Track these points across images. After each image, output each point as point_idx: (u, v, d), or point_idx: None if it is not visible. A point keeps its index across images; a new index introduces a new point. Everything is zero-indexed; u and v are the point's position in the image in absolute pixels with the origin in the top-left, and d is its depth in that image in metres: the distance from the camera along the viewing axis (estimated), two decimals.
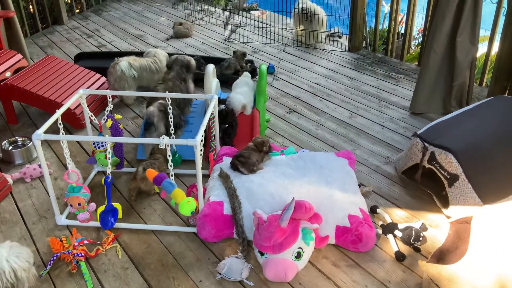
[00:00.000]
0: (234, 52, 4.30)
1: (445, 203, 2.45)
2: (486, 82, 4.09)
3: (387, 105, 3.76)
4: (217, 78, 3.43)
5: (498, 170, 2.35)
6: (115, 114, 2.69)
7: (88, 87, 3.59)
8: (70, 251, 2.17)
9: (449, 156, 2.35)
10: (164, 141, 2.08)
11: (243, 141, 3.04)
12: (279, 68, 4.52)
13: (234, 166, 2.53)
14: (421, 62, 3.42)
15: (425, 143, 2.52)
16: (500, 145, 2.42)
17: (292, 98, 3.93)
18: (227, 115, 2.94)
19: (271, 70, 4.39)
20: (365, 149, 3.15)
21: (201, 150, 2.25)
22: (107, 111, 2.64)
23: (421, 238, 2.21)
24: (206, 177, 2.65)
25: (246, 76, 3.37)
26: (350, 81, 4.23)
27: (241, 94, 3.06)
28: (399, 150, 3.09)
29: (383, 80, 4.22)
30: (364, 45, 5.03)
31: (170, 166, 2.19)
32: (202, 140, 2.19)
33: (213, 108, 2.49)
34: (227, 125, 2.94)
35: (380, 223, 2.42)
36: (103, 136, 2.64)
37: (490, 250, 1.74)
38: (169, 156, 2.16)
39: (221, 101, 2.97)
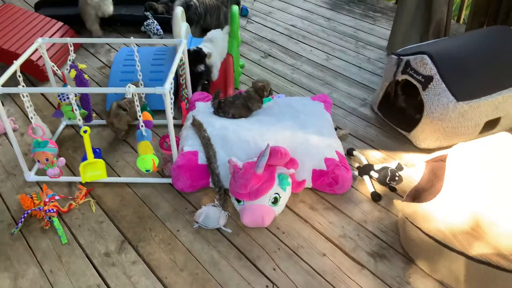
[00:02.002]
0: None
1: (409, 130, 2.55)
2: (463, 19, 4.01)
3: (364, 45, 3.67)
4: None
5: (471, 72, 2.38)
6: (78, 63, 2.54)
7: (50, 36, 3.39)
8: (41, 208, 2.11)
9: (424, 58, 2.38)
10: (131, 90, 1.97)
11: (218, 87, 2.95)
12: (253, 10, 4.33)
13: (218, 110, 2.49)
14: (398, 0, 3.31)
15: (400, 56, 2.55)
16: (474, 55, 2.45)
17: (267, 41, 3.79)
18: (199, 56, 2.80)
19: (244, 12, 4.21)
20: (342, 92, 3.09)
21: (171, 98, 2.15)
22: (69, 60, 2.49)
23: (396, 178, 2.21)
24: (180, 127, 2.57)
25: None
26: (326, 21, 4.10)
27: (209, 41, 2.91)
28: (376, 90, 3.04)
29: (360, 20, 4.09)
30: None
31: (140, 117, 2.10)
32: (171, 88, 2.09)
33: (181, 53, 2.36)
34: (203, 66, 2.81)
35: (357, 165, 2.42)
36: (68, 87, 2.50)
37: (465, 188, 1.75)
38: (138, 106, 2.07)
39: (199, 59, 2.83)
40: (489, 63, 2.43)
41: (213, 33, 2.96)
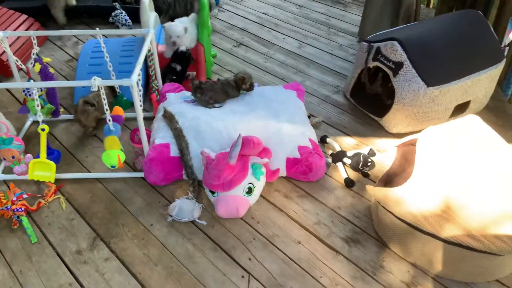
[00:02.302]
0: None
1: (381, 115, 2.58)
2: (433, 3, 4.05)
3: (336, 32, 3.67)
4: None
5: (440, 58, 2.40)
6: (43, 57, 2.46)
7: (14, 30, 3.28)
8: (8, 207, 2.04)
9: (394, 45, 2.39)
10: (96, 83, 1.92)
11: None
12: None
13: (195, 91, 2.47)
14: None
15: (371, 43, 2.56)
16: (443, 40, 2.46)
17: (239, 30, 3.75)
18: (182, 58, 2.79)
19: (215, 1, 4.14)
20: (315, 80, 3.09)
21: (140, 90, 2.11)
22: (33, 54, 2.41)
23: (369, 164, 2.23)
24: (152, 119, 2.53)
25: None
26: (298, 9, 4.07)
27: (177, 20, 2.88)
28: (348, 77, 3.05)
29: (331, 7, 4.09)
30: None
31: (106, 110, 2.04)
32: (139, 80, 2.04)
33: (149, 43, 2.31)
34: (179, 67, 2.78)
35: (330, 152, 2.42)
36: (31, 82, 2.42)
37: (435, 171, 1.76)
38: (104, 99, 2.01)
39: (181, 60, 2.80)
40: (458, 48, 2.45)
41: (181, 20, 2.92)
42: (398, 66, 2.38)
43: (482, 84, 2.45)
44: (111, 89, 2.62)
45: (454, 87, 2.36)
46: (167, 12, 3.52)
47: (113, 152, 2.05)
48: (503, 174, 1.73)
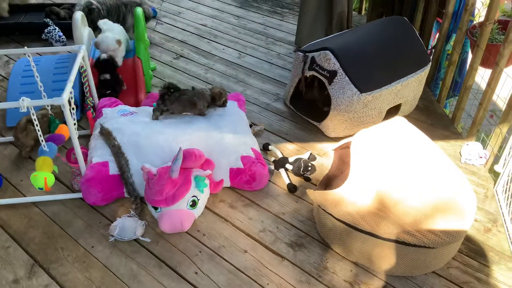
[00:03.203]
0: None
1: (320, 120, 2.67)
2: (365, 10, 4.23)
3: (274, 41, 3.74)
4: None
5: (371, 65, 2.51)
6: None
7: None
8: None
9: (327, 54, 2.47)
10: (25, 104, 1.84)
11: (128, 93, 2.86)
12: (162, 11, 4.24)
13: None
14: None
15: (306, 53, 2.63)
16: (373, 48, 2.58)
17: (179, 42, 3.74)
18: (107, 65, 2.71)
19: (153, 13, 4.11)
20: (255, 88, 3.13)
21: (73, 109, 2.05)
22: None
23: (309, 168, 2.28)
24: (89, 137, 2.46)
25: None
26: (236, 19, 4.12)
27: (108, 31, 2.82)
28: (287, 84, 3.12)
29: (269, 16, 4.17)
30: None
31: (39, 131, 1.97)
32: (71, 98, 1.98)
33: (81, 60, 2.25)
34: (108, 76, 2.70)
35: (272, 159, 2.46)
36: None
37: (368, 171, 1.84)
38: (35, 120, 1.94)
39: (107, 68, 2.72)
40: (387, 54, 2.57)
41: (105, 22, 2.85)
42: (332, 74, 2.46)
43: (411, 87, 2.59)
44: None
45: (385, 91, 2.47)
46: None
47: (41, 174, 1.96)
48: (430, 170, 1.84)
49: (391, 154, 1.87)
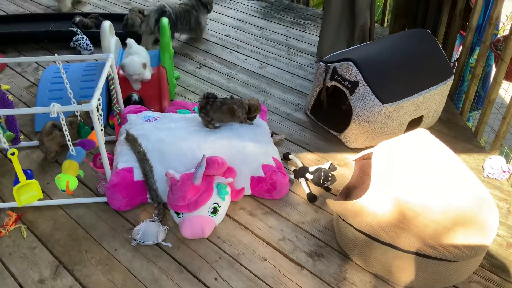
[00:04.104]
0: (130, 10, 3.99)
1: (341, 131, 2.67)
2: (387, 22, 4.24)
3: (295, 52, 3.78)
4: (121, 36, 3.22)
5: (393, 76, 2.51)
6: (1, 84, 2.43)
7: None
8: None
9: (349, 65, 2.48)
10: (55, 109, 1.91)
11: (152, 100, 2.92)
12: None
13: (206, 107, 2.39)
14: (324, 7, 3.45)
15: (327, 64, 2.64)
16: (395, 59, 2.58)
17: (202, 52, 3.81)
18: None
19: None
20: (276, 98, 3.17)
21: (100, 115, 2.11)
22: None
23: (330, 178, 2.30)
24: (114, 143, 2.52)
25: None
26: (259, 30, 4.18)
27: (135, 54, 2.88)
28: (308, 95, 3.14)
29: (291, 28, 4.21)
30: None
31: (67, 135, 2.03)
32: (100, 104, 2.05)
33: (109, 68, 2.32)
34: (138, 97, 2.80)
35: (293, 168, 2.48)
36: None
37: (390, 183, 1.84)
38: (64, 125, 2.00)
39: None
40: (409, 65, 2.57)
41: (131, 45, 2.92)
42: (354, 85, 2.47)
43: (433, 99, 2.58)
44: (88, 114, 2.59)
45: (407, 103, 2.47)
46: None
47: (64, 177, 2.03)
48: (452, 183, 1.83)
49: (413, 166, 1.87)
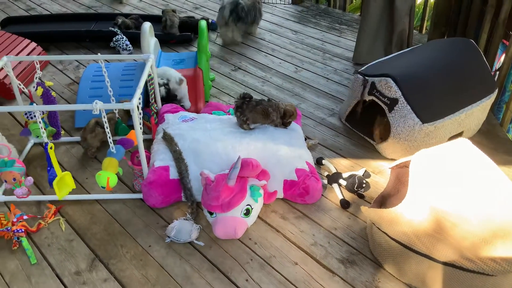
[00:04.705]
0: (163, 11, 4.07)
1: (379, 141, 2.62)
2: (426, 29, 4.16)
3: (331, 57, 3.76)
4: (159, 37, 3.29)
5: (434, 94, 2.43)
6: (45, 81, 2.52)
7: (16, 54, 3.35)
8: (9, 228, 2.07)
9: (388, 82, 2.41)
10: (98, 106, 1.97)
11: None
12: None
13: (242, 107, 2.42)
14: (362, 12, 3.42)
15: (366, 77, 2.59)
16: (436, 74, 2.49)
17: (237, 54, 3.84)
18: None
19: (214, 26, 4.25)
20: (310, 103, 3.16)
21: (140, 114, 2.16)
22: (36, 78, 2.47)
23: (364, 185, 2.27)
24: (151, 141, 2.58)
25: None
26: (294, 34, 4.18)
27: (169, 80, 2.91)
28: (343, 101, 3.12)
29: (327, 32, 4.20)
30: None
31: (108, 133, 2.09)
32: (140, 103, 2.10)
33: (149, 68, 2.38)
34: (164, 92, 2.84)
35: (326, 173, 2.47)
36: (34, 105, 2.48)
37: (427, 192, 1.81)
38: (106, 122, 2.06)
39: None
40: (451, 81, 2.47)
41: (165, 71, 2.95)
42: (393, 102, 2.41)
43: (475, 116, 2.50)
44: (126, 112, 2.67)
45: (448, 121, 2.39)
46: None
47: (105, 174, 2.08)
48: (491, 194, 1.78)
49: (452, 176, 1.82)
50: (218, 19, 3.95)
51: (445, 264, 1.73)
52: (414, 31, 3.98)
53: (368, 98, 2.59)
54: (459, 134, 2.55)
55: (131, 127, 2.18)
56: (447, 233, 1.72)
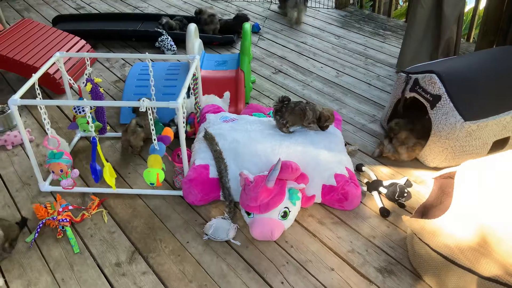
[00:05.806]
0: (196, 13, 4.15)
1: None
2: (473, 38, 4.04)
3: (374, 63, 3.71)
4: (200, 38, 3.34)
5: (479, 92, 2.38)
6: (94, 77, 2.61)
7: (67, 51, 3.49)
8: (55, 217, 2.16)
9: (432, 78, 2.39)
10: (145, 104, 2.03)
11: (230, 102, 3.00)
12: (265, 27, 4.41)
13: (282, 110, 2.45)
14: (408, 18, 3.36)
15: (409, 74, 2.57)
16: (482, 75, 2.45)
17: (278, 58, 3.86)
18: None
19: (256, 29, 4.29)
20: (351, 108, 3.13)
21: (184, 113, 2.21)
22: (86, 75, 2.57)
23: (405, 194, 2.23)
24: (192, 140, 2.62)
25: None
26: (337, 39, 4.16)
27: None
28: (385, 107, 3.07)
29: (370, 38, 4.15)
30: (351, 1, 4.91)
31: (152, 130, 2.15)
32: (184, 102, 2.14)
33: (194, 69, 2.42)
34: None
35: (366, 180, 2.43)
36: (83, 100, 2.57)
37: (473, 205, 1.75)
38: (151, 119, 2.12)
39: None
40: (497, 83, 2.44)
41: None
42: (436, 98, 2.39)
43: None
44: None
45: (492, 122, 2.34)
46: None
47: (154, 170, 2.14)
48: None
49: (499, 189, 1.76)
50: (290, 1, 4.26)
51: (489, 279, 1.67)
52: (461, 39, 3.87)
53: (409, 95, 2.55)
54: (506, 140, 2.46)
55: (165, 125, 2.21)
56: (492, 248, 1.66)
